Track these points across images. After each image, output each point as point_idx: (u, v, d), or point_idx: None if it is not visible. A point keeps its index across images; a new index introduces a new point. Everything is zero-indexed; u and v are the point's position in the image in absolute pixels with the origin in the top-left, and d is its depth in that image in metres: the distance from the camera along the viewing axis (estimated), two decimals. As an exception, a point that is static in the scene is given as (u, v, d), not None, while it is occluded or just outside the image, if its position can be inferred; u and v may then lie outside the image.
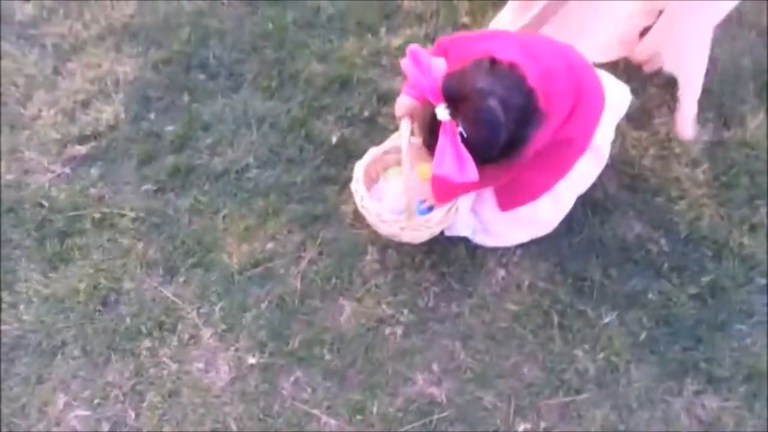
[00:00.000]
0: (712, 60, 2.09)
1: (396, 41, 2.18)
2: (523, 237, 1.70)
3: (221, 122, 1.99)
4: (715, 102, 1.99)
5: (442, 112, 1.25)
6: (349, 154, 1.90)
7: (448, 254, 1.70)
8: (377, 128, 1.96)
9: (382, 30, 2.22)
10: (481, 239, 1.71)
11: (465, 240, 1.71)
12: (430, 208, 1.59)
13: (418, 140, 1.47)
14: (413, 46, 1.32)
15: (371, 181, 1.74)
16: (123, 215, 1.82)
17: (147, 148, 1.94)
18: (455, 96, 1.24)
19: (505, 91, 1.21)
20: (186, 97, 2.05)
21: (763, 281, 1.65)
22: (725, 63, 2.09)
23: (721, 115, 1.96)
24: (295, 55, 2.15)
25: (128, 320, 1.65)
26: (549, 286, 1.65)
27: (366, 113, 1.99)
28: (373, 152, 1.71)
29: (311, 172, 1.87)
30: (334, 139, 1.93)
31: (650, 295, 1.62)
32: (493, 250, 1.70)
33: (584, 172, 1.58)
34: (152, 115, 2.02)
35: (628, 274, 1.66)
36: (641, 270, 1.67)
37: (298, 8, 2.27)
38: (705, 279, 1.64)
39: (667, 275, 1.65)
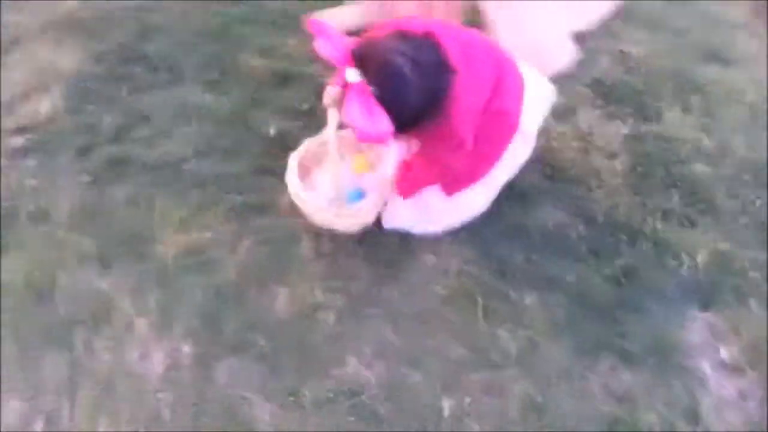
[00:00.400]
0: (635, 59, 2.23)
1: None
2: (456, 221, 1.77)
3: (159, 114, 2.01)
4: (636, 99, 2.11)
5: (352, 74, 1.29)
6: (288, 146, 1.93)
7: (380, 242, 1.76)
8: (316, 121, 1.99)
9: (323, 27, 2.27)
10: (421, 228, 1.77)
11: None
12: (361, 196, 1.65)
13: (349, 131, 1.53)
14: (315, 20, 1.37)
15: (306, 171, 1.79)
16: (58, 207, 1.82)
17: (84, 140, 1.95)
18: (364, 57, 1.30)
19: (412, 50, 1.29)
20: (125, 90, 2.07)
21: (674, 263, 1.76)
22: (645, 63, 2.22)
23: (640, 110, 2.08)
24: (237, 50, 2.18)
25: (62, 312, 1.66)
26: (474, 270, 1.72)
27: (305, 106, 2.05)
28: (307, 143, 1.76)
29: (249, 163, 1.91)
30: (272, 131, 1.97)
31: (569, 278, 1.72)
32: (424, 237, 1.77)
33: (515, 154, 1.65)
34: (90, 108, 2.03)
35: (548, 259, 1.75)
36: (561, 254, 1.76)
37: (243, 5, 2.31)
38: (620, 262, 1.74)
39: (585, 259, 1.75)
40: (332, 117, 1.49)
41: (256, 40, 2.23)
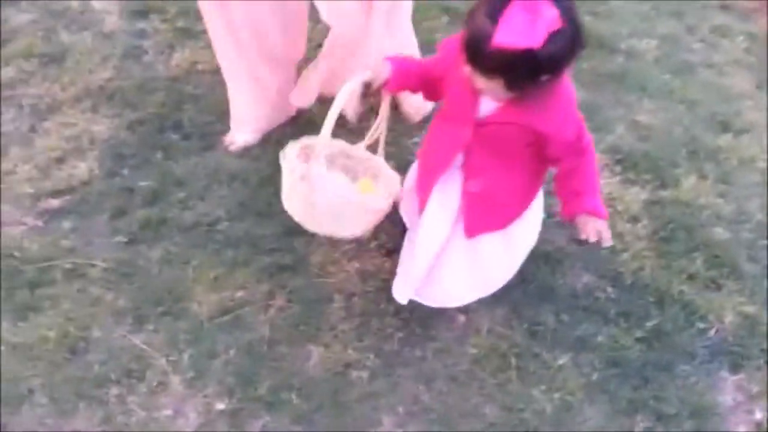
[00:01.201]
0: (649, 128, 2.33)
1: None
2: (470, 295, 1.71)
3: (193, 178, 2.08)
4: (652, 165, 2.18)
5: None
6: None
7: (411, 302, 1.78)
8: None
9: (348, 97, 2.38)
10: (425, 295, 1.68)
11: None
12: None
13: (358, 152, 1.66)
14: None
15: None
16: (93, 266, 1.85)
17: (119, 202, 2.00)
18: None
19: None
20: (159, 155, 2.15)
21: (702, 325, 1.78)
22: (659, 132, 2.31)
23: (658, 177, 2.15)
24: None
25: (96, 368, 1.66)
26: (506, 330, 1.74)
27: (333, 172, 2.11)
28: (300, 142, 1.69)
29: (280, 225, 1.95)
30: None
31: (600, 339, 1.73)
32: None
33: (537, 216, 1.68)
34: (125, 172, 2.10)
35: (578, 320, 1.77)
36: (590, 315, 1.78)
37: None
38: (649, 324, 1.76)
39: (615, 320, 1.77)
40: (357, 80, 1.46)
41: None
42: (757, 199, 2.11)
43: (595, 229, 1.46)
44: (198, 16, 2.64)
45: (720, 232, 2.00)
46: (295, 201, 1.66)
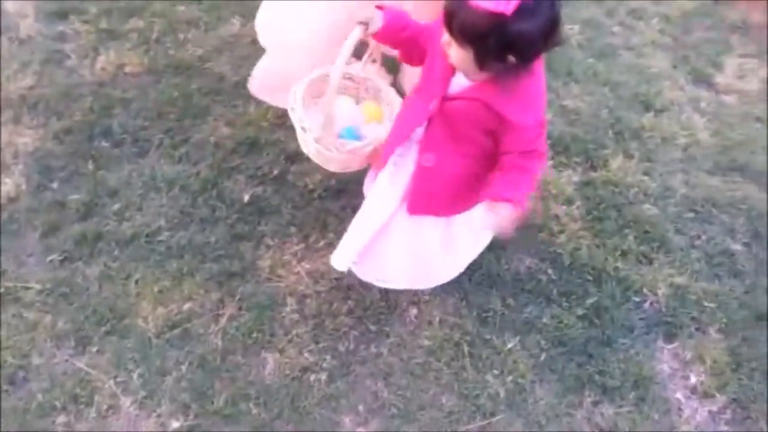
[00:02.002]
0: (576, 112, 2.42)
1: (297, 105, 2.32)
2: (404, 280, 1.74)
3: (128, 188, 2.01)
4: (581, 148, 2.28)
5: None
6: (262, 210, 1.98)
7: (364, 299, 1.80)
8: (287, 185, 2.06)
9: (283, 95, 2.35)
10: (363, 266, 1.71)
11: (378, 284, 1.83)
12: (355, 136, 1.62)
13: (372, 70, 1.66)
14: None
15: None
16: (28, 288, 1.77)
17: (51, 218, 1.91)
18: None
19: None
20: (90, 165, 2.06)
21: (637, 299, 1.88)
22: (586, 115, 2.41)
23: (588, 159, 2.25)
24: (202, 120, 2.22)
25: (40, 397, 1.59)
26: (457, 319, 1.79)
27: (276, 171, 2.09)
28: (308, 79, 1.69)
29: (225, 230, 1.92)
30: (246, 198, 2.01)
31: (544, 320, 1.81)
32: (405, 291, 1.83)
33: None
34: (55, 185, 2.00)
35: (523, 303, 1.84)
36: (534, 298, 1.86)
37: (203, 77, 2.36)
38: (589, 301, 1.85)
39: (557, 300, 1.85)
40: (354, 35, 1.46)
41: (219, 110, 2.27)
42: (680, 174, 2.25)
43: (495, 218, 1.39)
44: (122, 15, 2.55)
45: (648, 209, 2.12)
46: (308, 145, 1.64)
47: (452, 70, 1.39)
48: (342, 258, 1.64)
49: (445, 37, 1.31)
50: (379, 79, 1.78)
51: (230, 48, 2.51)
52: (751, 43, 2.81)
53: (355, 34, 1.47)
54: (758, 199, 2.18)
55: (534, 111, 1.38)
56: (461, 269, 1.78)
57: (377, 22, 1.50)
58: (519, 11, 1.17)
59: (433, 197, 1.56)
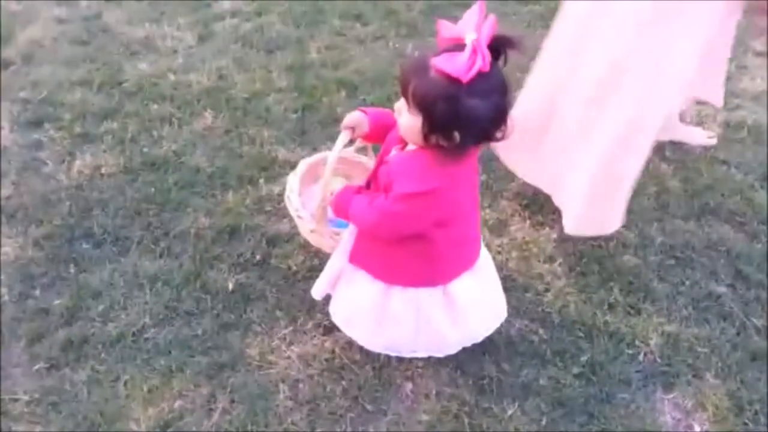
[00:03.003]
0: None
1: (276, 188, 2.36)
2: (353, 330, 1.74)
3: (111, 288, 2.00)
4: (555, 206, 2.32)
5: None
6: (247, 297, 1.98)
7: (358, 378, 1.78)
8: (271, 269, 2.07)
9: (261, 180, 2.40)
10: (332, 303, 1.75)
11: (372, 360, 1.80)
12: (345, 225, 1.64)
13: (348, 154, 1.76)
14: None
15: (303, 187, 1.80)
16: (16, 400, 1.72)
17: (35, 326, 1.89)
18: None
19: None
20: (72, 269, 2.05)
21: (631, 351, 1.88)
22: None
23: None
24: (180, 213, 2.25)
25: None
26: (453, 390, 1.76)
27: (258, 257, 2.10)
28: (304, 163, 1.80)
29: (211, 321, 1.91)
30: (230, 286, 2.00)
31: (542, 381, 1.79)
32: (397, 365, 1.81)
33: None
34: (38, 292, 1.99)
35: (519, 366, 1.83)
36: (529, 360, 1.84)
37: (179, 171, 2.41)
38: (583, 358, 1.85)
39: (552, 360, 1.84)
40: (344, 136, 1.56)
41: (196, 201, 2.30)
42: (655, 222, 2.29)
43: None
44: (96, 119, 2.61)
45: (629, 259, 2.15)
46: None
47: (402, 142, 1.46)
48: (319, 287, 1.72)
49: (399, 103, 1.37)
50: (370, 160, 1.87)
51: (204, 140, 2.58)
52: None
53: (343, 139, 1.57)
54: (735, 239, 2.23)
55: (414, 182, 1.39)
56: (382, 346, 1.76)
57: (363, 126, 1.60)
58: (473, 86, 1.23)
59: (368, 251, 1.59)
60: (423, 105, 1.30)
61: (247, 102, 2.81)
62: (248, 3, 3.55)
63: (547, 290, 2.05)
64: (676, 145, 2.63)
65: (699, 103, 2.84)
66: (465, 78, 1.22)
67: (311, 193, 1.79)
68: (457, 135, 1.29)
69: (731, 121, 2.76)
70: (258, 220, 2.24)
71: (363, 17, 3.46)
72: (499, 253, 2.15)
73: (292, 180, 1.77)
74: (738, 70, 3.08)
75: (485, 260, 1.73)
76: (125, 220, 2.23)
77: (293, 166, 2.42)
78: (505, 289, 2.01)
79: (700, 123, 2.76)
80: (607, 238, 2.21)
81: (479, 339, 1.75)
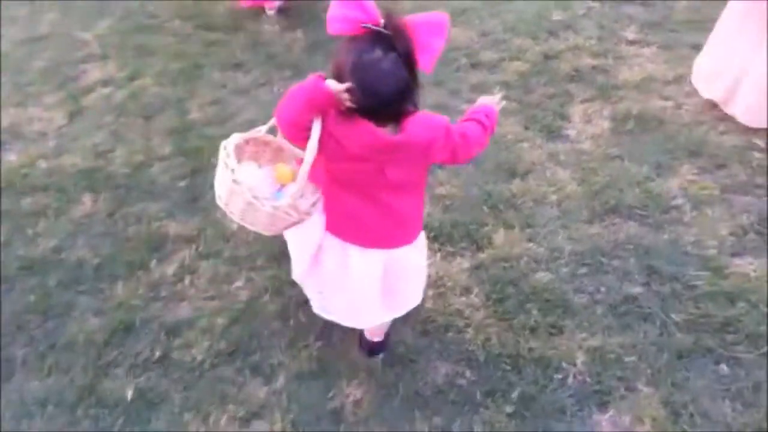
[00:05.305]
0: (449, 197, 2.43)
1: (170, 268, 2.20)
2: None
3: (-4, 422, 1.78)
4: (464, 231, 2.28)
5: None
6: (150, 403, 1.80)
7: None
8: (173, 365, 1.90)
9: (153, 262, 2.23)
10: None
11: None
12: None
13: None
14: None
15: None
16: None
17: None
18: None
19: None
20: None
21: (559, 376, 1.83)
22: (459, 197, 2.42)
23: (473, 242, 2.24)
24: (66, 319, 2.05)
25: None
26: (387, 457, 1.66)
27: (158, 353, 1.93)
28: (235, 139, 1.65)
29: (115, 436, 1.73)
30: (129, 394, 1.82)
31: (476, 429, 1.71)
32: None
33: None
34: None
35: (451, 417, 1.74)
36: (461, 407, 1.76)
37: (60, 269, 2.20)
38: (514, 394, 1.78)
39: (483, 402, 1.77)
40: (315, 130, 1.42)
41: (83, 301, 2.11)
42: (561, 231, 2.27)
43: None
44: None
45: (542, 276, 2.12)
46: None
47: None
48: (295, 270, 1.75)
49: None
50: (281, 140, 1.75)
51: (84, 229, 2.38)
52: (587, 88, 2.99)
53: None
54: (640, 234, 2.24)
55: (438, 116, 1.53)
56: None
57: None
58: None
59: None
60: None
61: (129, 177, 2.63)
62: (119, 67, 3.36)
63: (467, 326, 1.98)
64: (570, 148, 2.64)
65: (584, 101, 2.89)
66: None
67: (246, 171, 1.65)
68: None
69: (617, 114, 2.80)
70: (153, 309, 2.07)
71: (243, 66, 3.34)
72: (414, 294, 2.06)
73: (230, 144, 1.61)
74: (615, 61, 3.15)
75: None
76: (5, 338, 2.01)
77: (187, 240, 2.32)
78: (426, 332, 1.95)
79: (588, 121, 2.79)
80: (518, 257, 2.17)
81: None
